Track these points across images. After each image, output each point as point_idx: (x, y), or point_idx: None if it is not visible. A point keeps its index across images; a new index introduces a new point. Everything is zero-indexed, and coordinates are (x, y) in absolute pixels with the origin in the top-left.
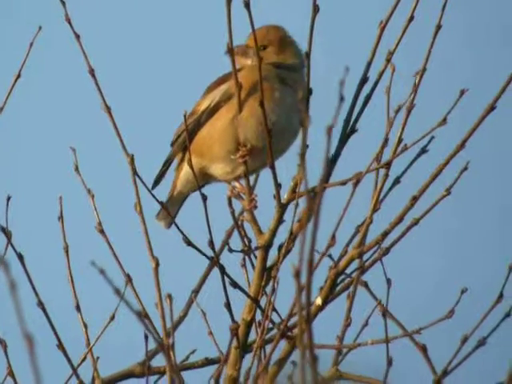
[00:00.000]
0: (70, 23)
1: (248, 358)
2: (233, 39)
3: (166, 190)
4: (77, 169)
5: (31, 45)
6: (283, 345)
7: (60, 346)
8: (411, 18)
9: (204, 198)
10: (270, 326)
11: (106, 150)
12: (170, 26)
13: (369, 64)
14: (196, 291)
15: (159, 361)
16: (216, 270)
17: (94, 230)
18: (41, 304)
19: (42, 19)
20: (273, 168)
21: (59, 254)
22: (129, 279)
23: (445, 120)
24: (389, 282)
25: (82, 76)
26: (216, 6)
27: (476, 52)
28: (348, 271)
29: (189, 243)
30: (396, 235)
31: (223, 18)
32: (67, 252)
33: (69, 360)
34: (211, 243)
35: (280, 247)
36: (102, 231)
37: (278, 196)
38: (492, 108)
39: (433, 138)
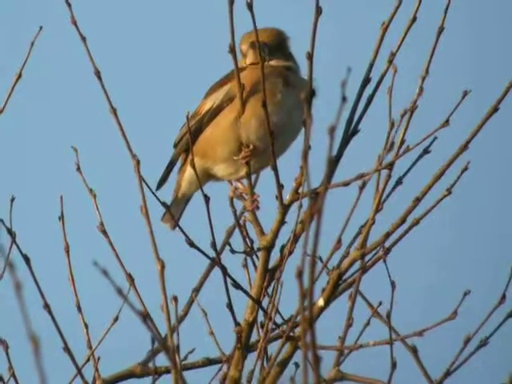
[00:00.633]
0: (76, 25)
1: (250, 358)
2: (235, 40)
3: (169, 192)
4: (78, 168)
5: (32, 44)
6: (285, 346)
7: (66, 348)
8: (414, 19)
9: (207, 199)
10: (273, 326)
11: (108, 150)
12: (174, 27)
13: (371, 65)
14: (197, 290)
15: (159, 361)
16: (218, 270)
17: (95, 230)
18: (47, 306)
19: (46, 19)
20: (275, 169)
21: (61, 254)
22: (131, 280)
23: (447, 121)
24: (393, 284)
25: (84, 76)
26: (219, 7)
27: (479, 53)
28: (350, 272)
29: (191, 244)
30: (396, 236)
31: (226, 19)
32: (68, 252)
33: (75, 362)
34: (213, 244)
35: (282, 248)
36: (104, 231)
37: (280, 197)
38: (495, 109)
39: (435, 138)
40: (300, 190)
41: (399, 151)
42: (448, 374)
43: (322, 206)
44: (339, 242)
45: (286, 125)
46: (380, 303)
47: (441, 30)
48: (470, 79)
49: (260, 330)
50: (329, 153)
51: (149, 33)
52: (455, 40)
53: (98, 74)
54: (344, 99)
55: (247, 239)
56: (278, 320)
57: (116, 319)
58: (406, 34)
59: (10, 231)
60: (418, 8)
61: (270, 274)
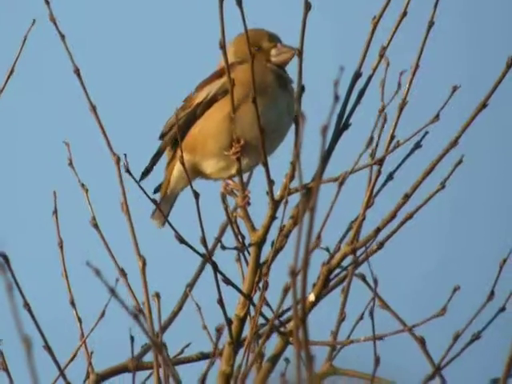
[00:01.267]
0: (54, 23)
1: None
2: (225, 36)
3: (155, 185)
4: (71, 163)
5: (25, 39)
6: (277, 341)
7: (46, 346)
8: (404, 14)
9: (196, 195)
10: (264, 321)
11: (100, 145)
12: (161, 22)
13: (362, 59)
14: (190, 285)
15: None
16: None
17: (87, 224)
18: (27, 305)
19: (35, 13)
20: (266, 165)
21: (52, 250)
22: (123, 274)
23: (437, 116)
24: (375, 281)
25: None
26: (207, 3)
27: (469, 49)
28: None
29: (182, 241)
30: (389, 231)
31: (214, 15)
32: (62, 247)
33: (56, 362)
34: (203, 240)
35: (273, 244)
36: (96, 226)
37: (270, 193)
38: (484, 105)
39: (427, 133)
40: (291, 186)
41: (389, 146)
42: (439, 368)
43: (315, 201)
44: (319, 238)
45: (277, 124)
46: (377, 294)
47: (430, 24)
48: (459, 74)
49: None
50: (321, 151)
51: (134, 28)
52: (445, 35)
53: (77, 71)
54: (336, 98)
55: (239, 235)
56: (270, 315)
57: (103, 314)
58: (396, 29)
59: None
60: (408, 2)
61: (262, 270)
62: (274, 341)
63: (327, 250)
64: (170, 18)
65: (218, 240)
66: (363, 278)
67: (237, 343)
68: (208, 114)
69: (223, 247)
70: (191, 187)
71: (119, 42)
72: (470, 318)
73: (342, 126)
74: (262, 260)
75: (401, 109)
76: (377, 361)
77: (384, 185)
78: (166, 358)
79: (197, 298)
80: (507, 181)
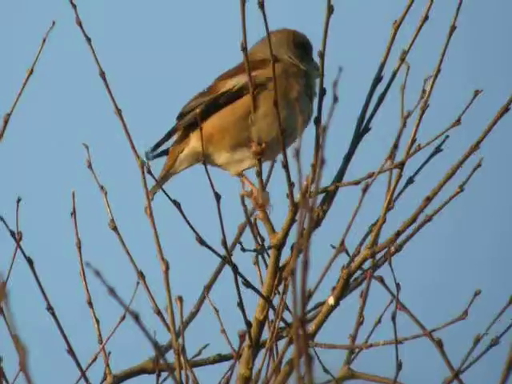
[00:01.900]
0: (81, 26)
1: (261, 356)
2: (247, 38)
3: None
4: (90, 165)
5: (44, 40)
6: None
7: (70, 351)
8: (426, 18)
9: (218, 197)
10: (283, 325)
11: (120, 147)
12: (184, 25)
13: (383, 63)
14: (208, 287)
15: (171, 357)
16: (229, 268)
17: (106, 227)
18: (50, 309)
19: (56, 15)
20: (286, 167)
21: (71, 251)
22: (141, 276)
23: (459, 120)
24: (398, 286)
25: (96, 72)
26: (229, 5)
27: (491, 53)
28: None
29: (202, 242)
30: (408, 234)
31: (236, 18)
32: (79, 248)
33: (79, 365)
34: (224, 243)
35: (293, 247)
36: (115, 228)
37: (291, 195)
38: (506, 109)
39: (447, 137)
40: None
41: (410, 150)
42: (459, 373)
43: (312, 208)
44: (342, 244)
45: (295, 130)
46: (396, 296)
47: (453, 28)
48: (482, 78)
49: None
50: (320, 153)
51: (158, 30)
52: (467, 39)
53: (102, 74)
54: (335, 99)
55: (258, 237)
56: (290, 319)
57: (123, 318)
58: (418, 33)
59: (13, 234)
60: (430, 7)
61: (281, 272)
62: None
63: (347, 253)
64: (190, 16)
65: (238, 242)
66: (382, 280)
67: (256, 346)
68: (231, 108)
69: (243, 249)
70: (213, 189)
71: (139, 44)
72: (490, 322)
73: (362, 130)
74: (281, 263)
75: (422, 112)
76: (399, 365)
77: (404, 188)
78: (183, 362)
79: (215, 300)
80: None
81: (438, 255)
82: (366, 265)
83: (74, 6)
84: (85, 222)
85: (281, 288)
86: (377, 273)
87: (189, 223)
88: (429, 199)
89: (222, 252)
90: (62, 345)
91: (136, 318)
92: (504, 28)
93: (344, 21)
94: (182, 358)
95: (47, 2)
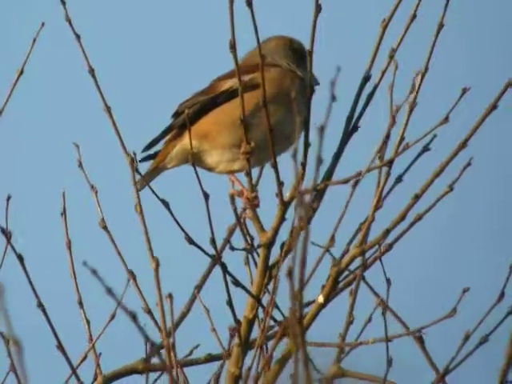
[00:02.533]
0: (70, 23)
1: (250, 355)
2: (235, 36)
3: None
4: (80, 165)
5: (34, 40)
6: (286, 342)
7: (60, 347)
8: (413, 17)
9: (206, 196)
10: (273, 323)
11: (110, 146)
12: (175, 23)
13: (371, 62)
14: (199, 287)
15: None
16: (219, 267)
17: (96, 226)
18: (41, 305)
19: (46, 15)
20: (275, 167)
21: (61, 250)
22: (132, 276)
23: (447, 118)
24: (388, 281)
25: (86, 71)
26: (221, 4)
27: (478, 50)
28: (350, 269)
29: (191, 242)
30: (398, 233)
31: (224, 17)
32: (70, 248)
33: (69, 362)
34: (213, 242)
35: (282, 245)
36: (105, 227)
37: (280, 194)
38: (494, 107)
39: (435, 136)
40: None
41: (399, 148)
42: (448, 370)
43: (310, 205)
44: (332, 239)
45: (291, 132)
46: (381, 299)
47: (440, 26)
48: (469, 76)
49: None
50: (318, 152)
51: (148, 29)
52: (455, 37)
53: (92, 71)
54: (333, 98)
55: (247, 236)
56: (280, 317)
57: (113, 317)
58: (406, 31)
59: (3, 231)
60: (418, 5)
61: (271, 271)
62: (282, 342)
63: (334, 258)
64: (181, 14)
65: (227, 241)
66: (367, 284)
67: (245, 345)
68: (227, 107)
69: (232, 248)
70: (201, 188)
71: (129, 42)
72: (479, 319)
73: (351, 129)
74: (271, 262)
75: (410, 111)
76: (389, 362)
77: (393, 187)
78: (173, 361)
79: (205, 299)
80: None
81: (428, 252)
82: (356, 263)
83: (64, 3)
84: (75, 221)
85: (271, 287)
86: (366, 271)
87: (178, 223)
88: (417, 197)
89: (212, 251)
90: (52, 342)
91: (133, 317)
92: (492, 26)
93: (332, 20)
94: (172, 358)
95: None
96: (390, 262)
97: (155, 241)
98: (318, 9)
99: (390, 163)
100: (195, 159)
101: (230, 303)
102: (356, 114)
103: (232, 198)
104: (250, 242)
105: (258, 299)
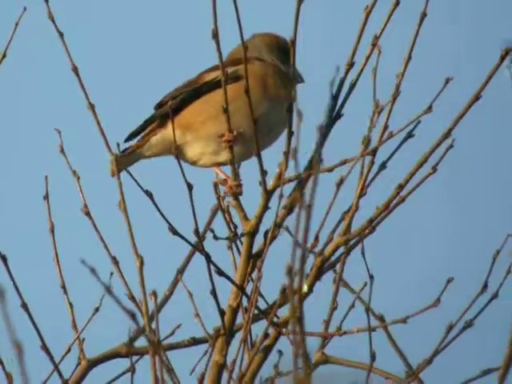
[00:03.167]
0: (53, 21)
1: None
2: (218, 26)
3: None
4: (62, 150)
5: (17, 24)
6: (270, 332)
7: (44, 347)
8: (397, 3)
9: (190, 187)
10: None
11: (94, 132)
12: (158, 19)
13: (355, 49)
14: (181, 271)
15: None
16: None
17: (79, 212)
18: (24, 305)
19: (29, 9)
20: (259, 155)
21: (44, 235)
22: (115, 262)
23: (430, 108)
24: (372, 277)
25: (70, 59)
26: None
27: (463, 40)
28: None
29: (174, 232)
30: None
31: (207, 11)
32: (53, 232)
33: (53, 360)
34: (197, 232)
35: (266, 234)
36: (87, 214)
37: (263, 183)
38: (477, 97)
39: (419, 122)
40: (284, 176)
41: (383, 137)
42: (430, 361)
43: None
44: (317, 239)
45: (277, 124)
46: (365, 285)
47: (423, 15)
48: (453, 66)
49: (245, 316)
50: (316, 152)
51: (131, 26)
52: (438, 26)
53: (75, 69)
54: (333, 97)
55: (231, 224)
56: (264, 306)
57: (97, 310)
58: (389, 18)
59: None
60: None
61: (254, 260)
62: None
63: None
64: (163, 10)
65: (210, 230)
66: (345, 283)
67: (229, 333)
68: (213, 97)
69: (215, 237)
70: (185, 179)
71: (113, 37)
72: (463, 309)
73: (334, 116)
74: (254, 250)
75: (394, 99)
76: (373, 355)
77: (377, 174)
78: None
79: (190, 287)
80: (500, 172)
81: (413, 242)
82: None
83: (46, 1)
84: (58, 207)
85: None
86: (350, 259)
87: (162, 214)
88: (401, 187)
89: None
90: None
91: (133, 316)
92: (475, 15)
93: (316, 8)
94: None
95: None
96: (376, 251)
97: (140, 232)
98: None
99: (374, 151)
100: (178, 151)
101: (213, 292)
102: (339, 102)
103: (216, 186)
104: (233, 229)
105: (241, 288)
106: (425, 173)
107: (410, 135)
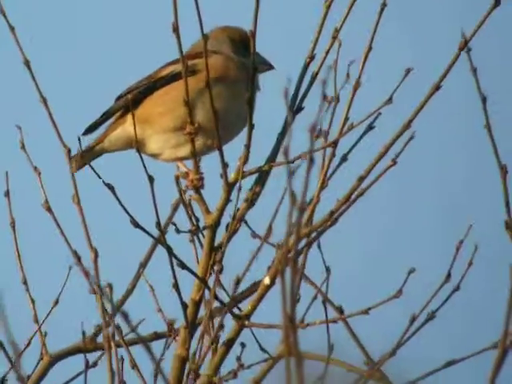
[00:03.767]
0: (4, 16)
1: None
2: (178, 19)
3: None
4: (23, 147)
5: None
6: (232, 324)
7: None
8: None
9: (151, 179)
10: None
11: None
12: (116, 13)
13: (315, 42)
14: (144, 264)
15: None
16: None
17: (40, 207)
18: None
19: None
20: (220, 148)
21: (6, 231)
22: (76, 256)
23: (391, 99)
24: (328, 269)
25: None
26: None
27: (422, 31)
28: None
29: (136, 225)
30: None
31: (168, 5)
32: (14, 227)
33: (9, 358)
34: (158, 225)
35: (227, 226)
36: (49, 209)
37: (225, 175)
38: (437, 88)
39: (380, 114)
40: (245, 169)
41: (343, 129)
42: (394, 353)
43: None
44: (270, 228)
45: (238, 118)
46: (319, 289)
47: (383, 6)
48: (412, 57)
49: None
50: (309, 153)
51: (88, 20)
52: (398, 17)
53: (27, 63)
54: (325, 98)
55: (193, 218)
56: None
57: (56, 302)
58: (349, 11)
59: None
60: None
61: (216, 253)
62: (229, 324)
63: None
64: (121, 4)
65: (172, 223)
66: (305, 276)
67: (192, 327)
68: (171, 90)
69: (178, 231)
70: (146, 171)
71: (69, 31)
72: (426, 300)
73: (295, 109)
74: (216, 243)
75: (354, 91)
76: (331, 347)
77: (338, 166)
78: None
79: (152, 279)
80: (460, 163)
81: (374, 231)
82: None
83: None
84: (19, 203)
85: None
86: (310, 251)
87: (123, 206)
88: (362, 178)
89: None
90: None
91: (125, 316)
92: (436, 5)
93: (276, 2)
94: (117, 337)
95: None
96: (335, 241)
97: (101, 226)
98: None
99: (335, 143)
100: (139, 146)
101: (176, 286)
102: (300, 95)
103: (177, 180)
104: (195, 223)
105: (203, 281)
106: (385, 163)
107: (370, 127)
